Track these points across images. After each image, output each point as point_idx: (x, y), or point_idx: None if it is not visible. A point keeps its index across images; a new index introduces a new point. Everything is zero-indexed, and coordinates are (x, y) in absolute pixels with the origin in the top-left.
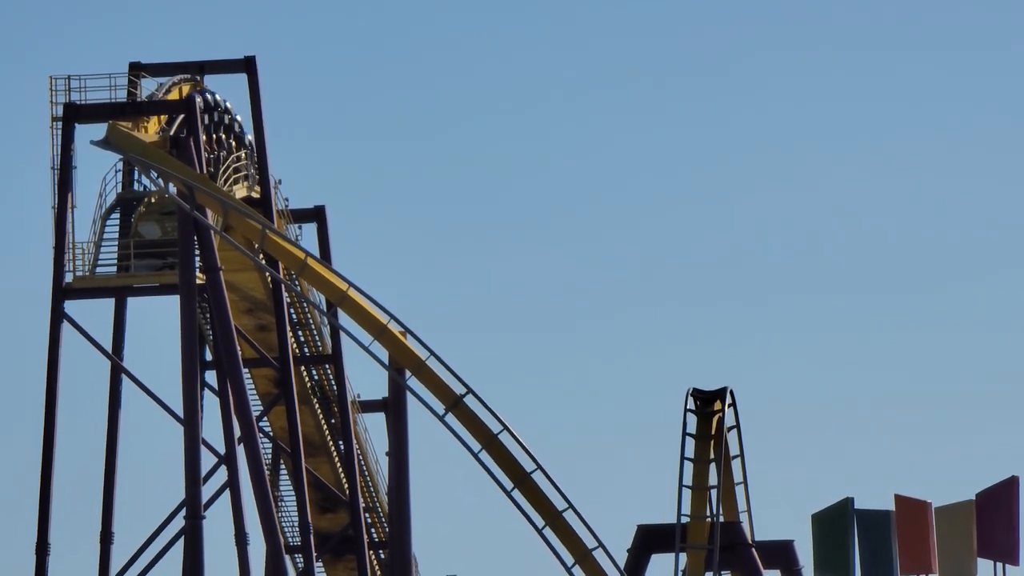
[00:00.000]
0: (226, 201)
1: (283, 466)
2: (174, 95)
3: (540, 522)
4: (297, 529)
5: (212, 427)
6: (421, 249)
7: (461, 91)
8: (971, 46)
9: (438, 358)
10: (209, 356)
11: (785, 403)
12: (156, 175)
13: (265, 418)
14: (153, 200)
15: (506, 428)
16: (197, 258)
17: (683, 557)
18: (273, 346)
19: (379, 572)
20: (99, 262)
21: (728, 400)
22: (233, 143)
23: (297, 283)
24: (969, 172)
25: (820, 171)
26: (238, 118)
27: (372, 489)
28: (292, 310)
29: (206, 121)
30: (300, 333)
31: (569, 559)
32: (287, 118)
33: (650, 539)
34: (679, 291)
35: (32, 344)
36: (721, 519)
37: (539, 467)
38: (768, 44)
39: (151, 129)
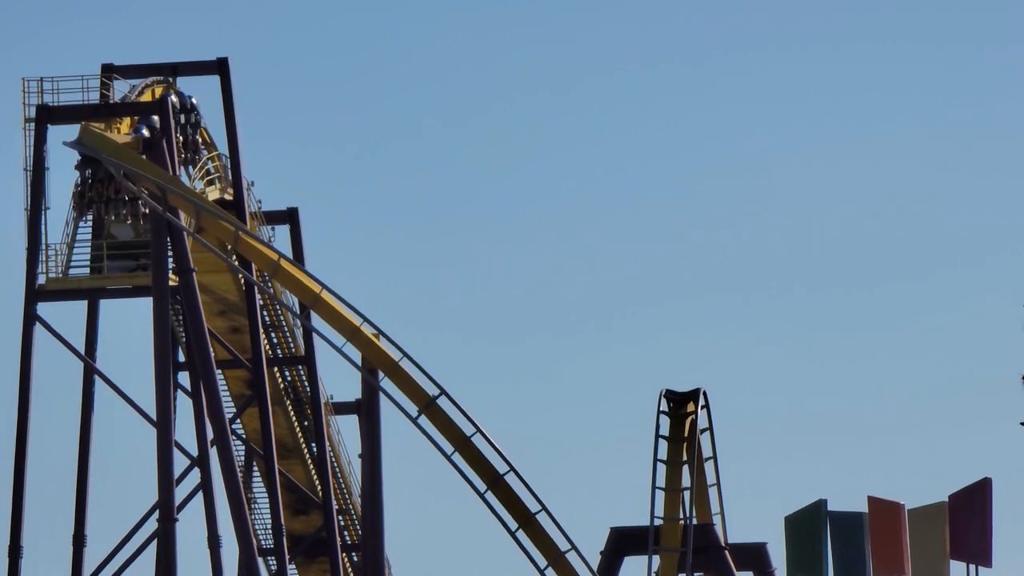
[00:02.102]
0: (198, 203)
1: (256, 468)
2: (147, 97)
3: (513, 524)
4: (270, 531)
5: (185, 429)
6: (394, 251)
7: (433, 93)
8: (949, 39)
9: (411, 360)
10: (182, 358)
11: (758, 405)
12: (128, 176)
13: (238, 420)
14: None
15: (479, 430)
16: (170, 260)
17: (656, 559)
18: (246, 348)
19: (352, 574)
20: (72, 264)
21: (701, 402)
22: (202, 144)
23: (270, 285)
24: (944, 178)
25: (793, 172)
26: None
27: (345, 491)
28: (265, 312)
29: (181, 121)
30: (273, 335)
31: (542, 561)
32: (260, 120)
33: (623, 541)
34: (652, 292)
35: (4, 346)
36: (694, 521)
37: (512, 469)
38: (746, 40)
39: (123, 130)
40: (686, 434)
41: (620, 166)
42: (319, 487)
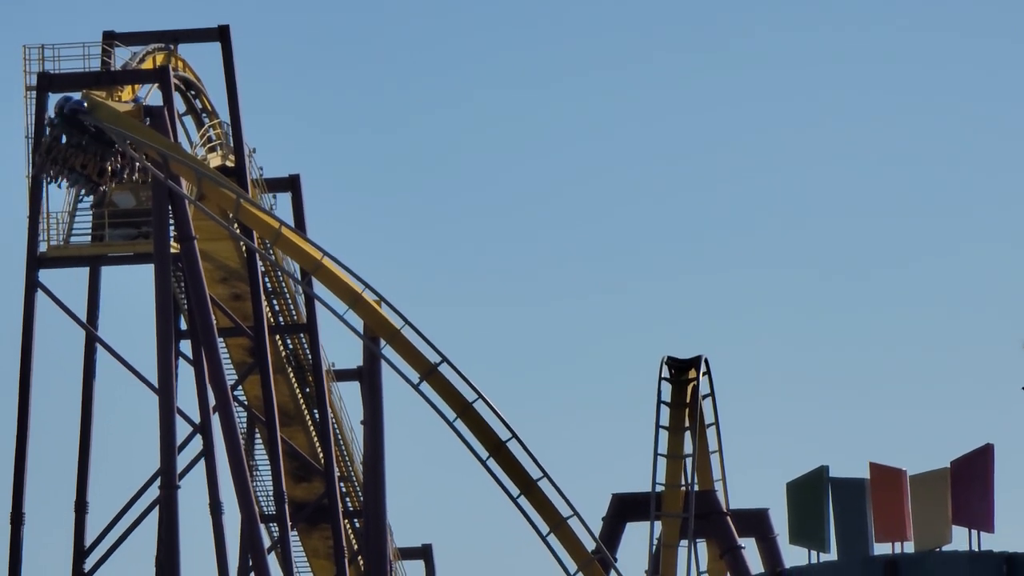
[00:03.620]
0: (200, 170)
1: (258, 435)
2: (148, 64)
3: (515, 491)
4: (272, 498)
5: (187, 396)
6: (396, 218)
7: (434, 60)
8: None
9: (413, 327)
10: (184, 325)
11: (760, 371)
12: (130, 144)
13: (240, 387)
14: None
15: (481, 397)
16: (171, 227)
17: (658, 525)
18: (248, 315)
19: (354, 541)
20: (73, 231)
21: (703, 368)
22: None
23: (272, 252)
24: (947, 141)
25: (795, 141)
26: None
27: (347, 458)
28: (267, 279)
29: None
30: (275, 302)
31: (544, 527)
32: (261, 87)
33: (625, 507)
34: (655, 259)
35: (6, 314)
36: (696, 487)
37: (514, 436)
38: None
39: (125, 98)
40: (688, 400)
41: (623, 135)
42: (321, 454)
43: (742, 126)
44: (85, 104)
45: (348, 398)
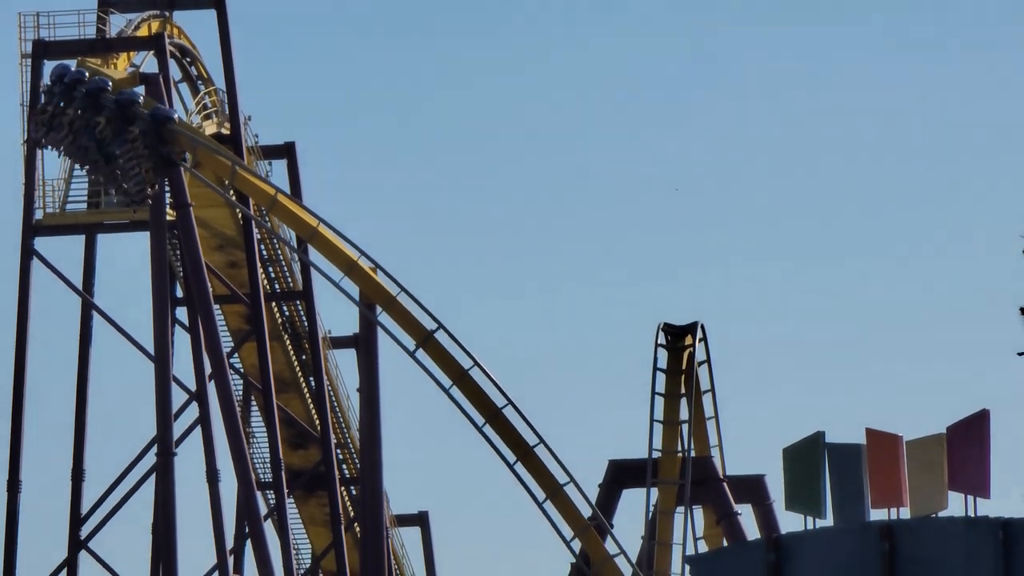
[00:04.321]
0: (196, 138)
1: (254, 403)
2: (143, 31)
3: (511, 457)
4: (268, 466)
5: (183, 364)
6: (391, 185)
7: (430, 27)
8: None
9: (409, 294)
10: (180, 292)
11: (756, 338)
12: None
13: (236, 355)
14: None
15: (477, 364)
16: (167, 195)
17: (654, 492)
18: (244, 282)
19: (350, 508)
20: (69, 199)
21: (699, 335)
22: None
23: (267, 219)
24: (944, 106)
25: (790, 102)
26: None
27: (343, 425)
28: (263, 246)
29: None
30: (271, 269)
31: (540, 494)
32: (257, 54)
33: (621, 474)
34: (650, 225)
35: (2, 282)
36: (692, 454)
37: (510, 402)
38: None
39: (120, 66)
40: (684, 367)
41: (618, 98)
42: (317, 421)
43: (740, 95)
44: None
45: (344, 365)
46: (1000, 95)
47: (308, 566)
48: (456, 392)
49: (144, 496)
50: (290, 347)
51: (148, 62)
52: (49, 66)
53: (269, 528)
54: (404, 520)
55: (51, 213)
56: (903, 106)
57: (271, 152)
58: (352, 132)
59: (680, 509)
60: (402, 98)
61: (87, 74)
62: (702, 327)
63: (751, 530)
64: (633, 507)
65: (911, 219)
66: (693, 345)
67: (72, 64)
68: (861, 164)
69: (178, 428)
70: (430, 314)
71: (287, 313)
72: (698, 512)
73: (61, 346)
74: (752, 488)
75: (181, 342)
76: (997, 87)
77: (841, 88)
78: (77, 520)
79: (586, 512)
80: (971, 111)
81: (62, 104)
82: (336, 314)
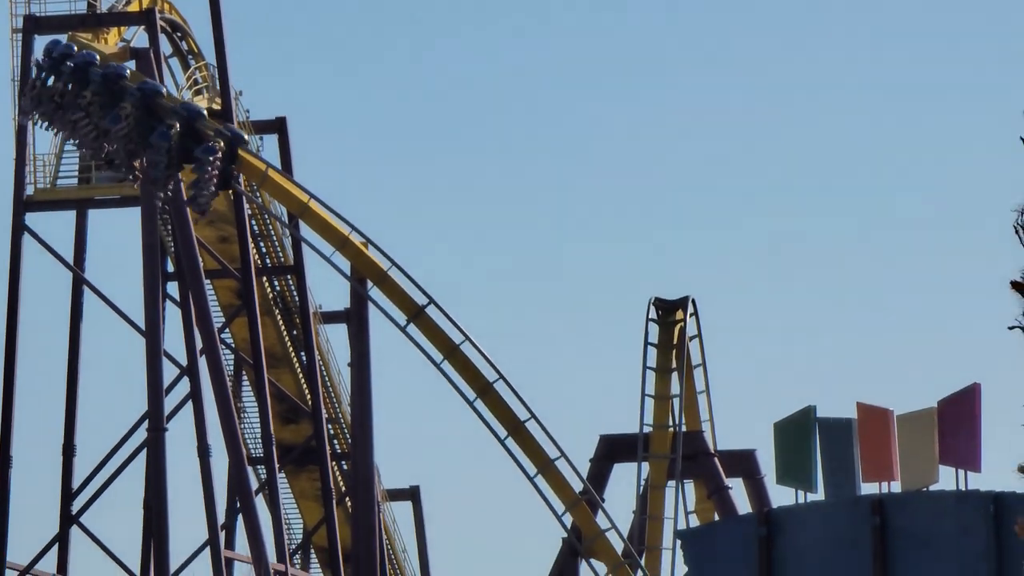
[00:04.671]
0: None
1: (245, 377)
2: (134, 6)
3: (502, 432)
4: (260, 440)
5: (174, 339)
6: (383, 160)
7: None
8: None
9: (400, 268)
10: (171, 267)
11: (747, 312)
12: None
13: (227, 329)
14: None
15: (468, 339)
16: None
17: (645, 466)
18: (235, 257)
19: (342, 483)
20: (60, 174)
21: (690, 309)
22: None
23: (258, 195)
24: (934, 78)
25: (781, 74)
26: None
27: (335, 400)
28: (253, 221)
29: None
30: (262, 244)
31: (532, 469)
32: (248, 29)
33: (613, 449)
34: (641, 200)
35: None
36: (683, 428)
37: (501, 377)
38: None
39: (111, 41)
40: (675, 341)
41: (609, 72)
42: (308, 396)
43: (729, 66)
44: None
45: (335, 340)
46: (995, 69)
47: (299, 541)
48: (447, 367)
49: (135, 471)
50: (281, 322)
51: (139, 37)
52: (40, 41)
53: (260, 503)
54: (395, 495)
55: (42, 189)
56: (893, 75)
57: (262, 127)
58: (343, 107)
59: (671, 483)
60: (393, 73)
61: (75, 48)
62: (693, 301)
63: (742, 504)
64: (624, 481)
65: (902, 192)
66: (684, 319)
67: (63, 39)
68: (851, 138)
69: (169, 403)
70: (421, 289)
71: (278, 288)
72: (689, 486)
73: (52, 321)
74: (743, 462)
75: (172, 317)
76: (992, 63)
77: (831, 54)
78: (68, 495)
79: (577, 487)
80: (961, 82)
81: (50, 79)
82: (327, 289)
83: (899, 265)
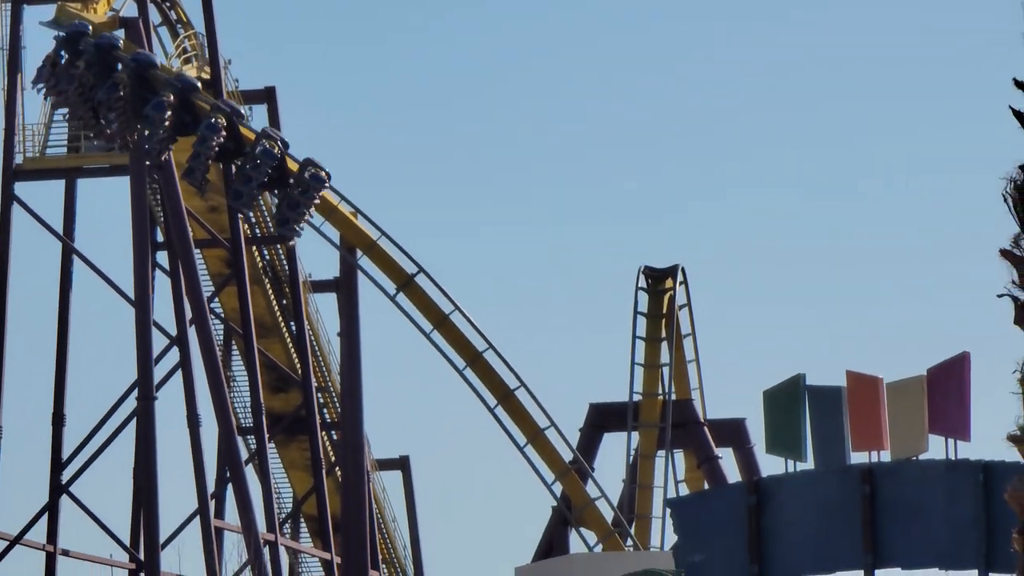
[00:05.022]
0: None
1: (235, 347)
2: None
3: (492, 401)
4: (249, 410)
5: (163, 308)
6: (372, 129)
7: None
8: None
9: (389, 238)
10: (160, 237)
11: (737, 281)
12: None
13: (216, 299)
14: None
15: (457, 308)
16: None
17: (635, 435)
18: (224, 227)
19: (331, 452)
20: (49, 143)
21: (680, 278)
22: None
23: None
24: (925, 46)
25: (769, 43)
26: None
27: (324, 369)
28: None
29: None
30: (250, 213)
31: (521, 438)
32: None
33: (602, 417)
34: (630, 168)
35: None
36: (673, 397)
37: (491, 346)
38: None
39: (100, 10)
40: (664, 311)
41: (601, 46)
42: (298, 365)
43: (722, 40)
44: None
45: (325, 309)
46: (983, 36)
47: (289, 510)
48: (437, 336)
49: (125, 441)
50: (270, 291)
51: (128, 6)
52: (29, 11)
53: (250, 472)
54: (385, 464)
55: (31, 157)
56: (880, 42)
57: (251, 96)
58: (332, 77)
59: (661, 452)
60: (382, 42)
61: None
62: (683, 270)
63: (732, 473)
64: (614, 450)
65: (892, 161)
66: (674, 288)
67: (53, 9)
68: (841, 107)
69: (159, 373)
70: (410, 258)
71: (267, 257)
72: (679, 455)
73: (42, 291)
74: (733, 431)
75: (161, 287)
76: (980, 31)
77: (823, 24)
78: (58, 465)
79: (567, 456)
80: (950, 50)
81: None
82: (316, 258)
83: (888, 234)
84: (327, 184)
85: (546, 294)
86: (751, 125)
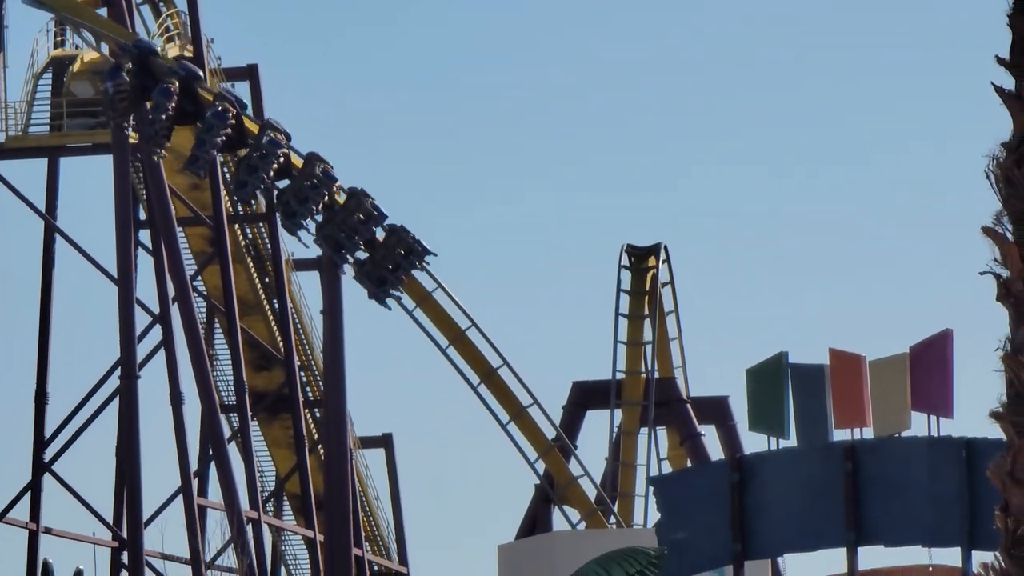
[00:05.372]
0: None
1: (218, 325)
2: None
3: (475, 379)
4: (232, 388)
5: (146, 286)
6: (354, 108)
7: None
8: None
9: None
10: (143, 215)
11: (719, 258)
12: (88, 34)
13: (199, 277)
14: (86, 59)
15: (440, 286)
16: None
17: (618, 413)
18: (207, 205)
19: (315, 430)
20: (32, 121)
21: (662, 256)
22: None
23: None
24: (912, 20)
25: (753, 18)
26: None
27: (307, 348)
28: (225, 169)
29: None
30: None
31: (504, 416)
32: None
33: (585, 395)
34: (613, 145)
35: None
36: (656, 375)
37: (474, 324)
38: None
39: None
40: (647, 288)
41: (583, 27)
42: (281, 344)
43: (703, 16)
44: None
45: (307, 288)
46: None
47: (272, 488)
48: (419, 314)
49: (108, 419)
50: (253, 269)
51: None
52: None
53: (233, 451)
54: (368, 442)
55: (13, 136)
56: (867, 21)
57: (234, 75)
58: (315, 55)
59: (644, 430)
60: (366, 19)
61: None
62: (665, 248)
63: (715, 451)
64: (597, 428)
65: (875, 139)
66: (656, 266)
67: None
68: (823, 83)
69: (141, 351)
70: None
71: (250, 235)
72: (662, 433)
73: (24, 269)
74: (716, 409)
75: (144, 265)
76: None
77: (799, 28)
78: (41, 443)
79: (550, 433)
80: (935, 26)
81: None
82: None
83: (871, 212)
84: (230, 119)
85: (529, 272)
86: (735, 103)
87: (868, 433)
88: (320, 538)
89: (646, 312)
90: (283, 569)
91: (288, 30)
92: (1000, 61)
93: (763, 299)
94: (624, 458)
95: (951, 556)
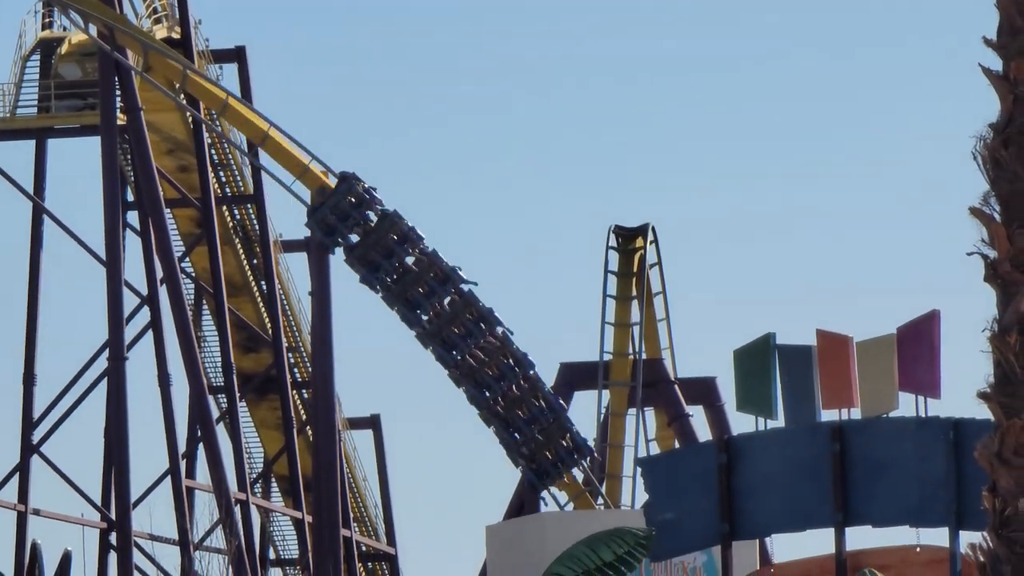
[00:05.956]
0: (146, 42)
1: (206, 306)
2: None
3: None
4: (220, 369)
5: (134, 268)
6: (343, 89)
7: None
8: None
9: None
10: (131, 197)
11: (707, 240)
12: (76, 15)
13: (187, 259)
14: (74, 41)
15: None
16: (118, 99)
17: (606, 394)
18: (195, 186)
19: (303, 411)
20: (19, 103)
21: (650, 237)
22: None
23: (218, 123)
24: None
25: (746, 4)
26: None
27: (295, 329)
28: (213, 150)
29: None
30: (221, 173)
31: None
32: None
33: (573, 376)
34: (601, 127)
35: None
36: (644, 356)
37: None
38: None
39: None
40: (635, 269)
41: (572, 6)
42: (269, 325)
43: None
44: None
45: (295, 269)
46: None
47: (260, 470)
48: None
49: (96, 400)
50: (241, 251)
51: None
52: None
53: (221, 432)
54: (356, 423)
55: (1, 117)
56: (851, 10)
57: (221, 56)
58: (303, 37)
59: (632, 411)
60: (355, 4)
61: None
62: (653, 229)
63: (702, 431)
64: (585, 409)
65: (861, 119)
66: (644, 247)
67: None
68: (811, 63)
69: (129, 332)
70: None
71: (238, 217)
72: (650, 414)
73: (12, 251)
74: (703, 390)
75: (132, 246)
76: None
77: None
78: (29, 424)
79: None
80: (923, 6)
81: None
82: (287, 217)
83: (858, 192)
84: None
85: (516, 253)
86: (722, 82)
87: (856, 414)
88: (308, 519)
89: (634, 293)
90: (271, 550)
91: (276, 12)
92: (987, 42)
93: (751, 280)
94: (612, 439)
95: (939, 536)
